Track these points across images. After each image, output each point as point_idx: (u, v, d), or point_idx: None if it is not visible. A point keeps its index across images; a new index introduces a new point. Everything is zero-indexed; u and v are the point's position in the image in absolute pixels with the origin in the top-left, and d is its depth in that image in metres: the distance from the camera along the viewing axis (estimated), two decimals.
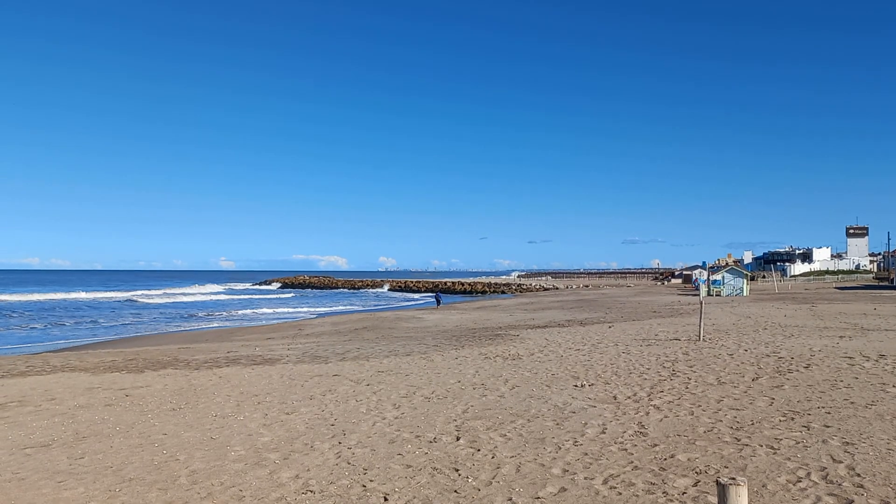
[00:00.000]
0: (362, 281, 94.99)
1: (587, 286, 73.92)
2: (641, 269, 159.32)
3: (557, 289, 70.10)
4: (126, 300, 55.71)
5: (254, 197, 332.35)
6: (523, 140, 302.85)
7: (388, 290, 79.93)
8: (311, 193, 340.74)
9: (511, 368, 10.97)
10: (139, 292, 68.63)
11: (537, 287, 72.76)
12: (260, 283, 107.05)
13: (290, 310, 42.79)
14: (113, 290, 72.70)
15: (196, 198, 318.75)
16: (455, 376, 10.29)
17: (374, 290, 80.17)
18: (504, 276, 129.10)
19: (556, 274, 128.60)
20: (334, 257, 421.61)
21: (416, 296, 69.88)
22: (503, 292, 68.99)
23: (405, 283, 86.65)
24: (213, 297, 60.94)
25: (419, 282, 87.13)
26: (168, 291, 71.04)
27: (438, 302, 40.90)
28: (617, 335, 16.13)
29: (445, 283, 79.31)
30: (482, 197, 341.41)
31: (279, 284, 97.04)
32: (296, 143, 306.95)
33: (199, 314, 38.06)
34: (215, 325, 31.63)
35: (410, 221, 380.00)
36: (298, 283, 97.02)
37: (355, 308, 45.13)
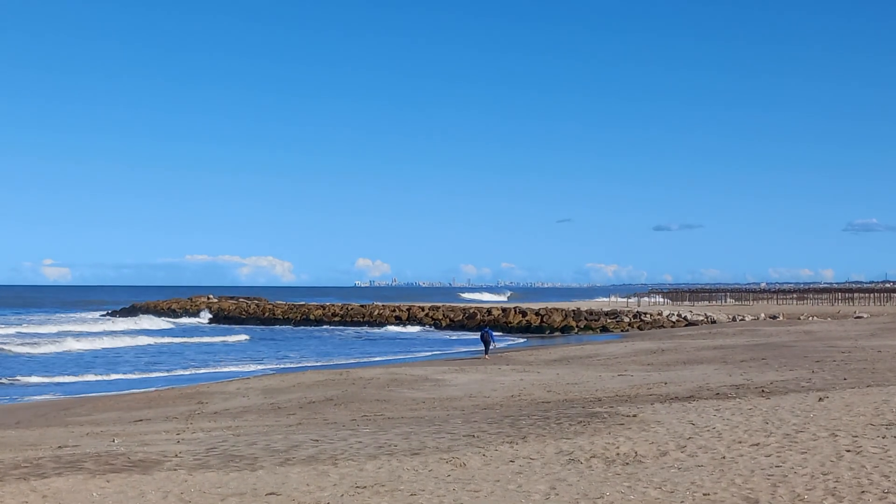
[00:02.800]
0: (321, 308, 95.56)
1: (774, 316, 73.21)
2: (884, 281, 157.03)
3: (714, 322, 69.60)
4: None
5: (108, 154, 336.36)
6: (636, 39, 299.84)
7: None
8: (220, 151, 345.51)
9: (622, 482, 11.01)
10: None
11: (674, 318, 72.39)
12: (110, 314, 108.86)
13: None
14: None
15: None
16: (509, 498, 10.33)
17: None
18: (606, 297, 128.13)
19: (714, 292, 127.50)
20: (267, 259, 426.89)
21: (441, 335, 70.70)
22: (605, 328, 68.88)
23: (410, 309, 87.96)
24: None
25: (438, 307, 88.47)
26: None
27: (487, 346, 41.57)
28: (835, 416, 15.99)
29: (489, 312, 79.80)
30: (560, 149, 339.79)
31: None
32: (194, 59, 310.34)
33: (17, 379, 38.54)
34: (38, 396, 32.10)
35: (416, 199, 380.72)
36: (195, 310, 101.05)
37: (311, 363, 45.77)
